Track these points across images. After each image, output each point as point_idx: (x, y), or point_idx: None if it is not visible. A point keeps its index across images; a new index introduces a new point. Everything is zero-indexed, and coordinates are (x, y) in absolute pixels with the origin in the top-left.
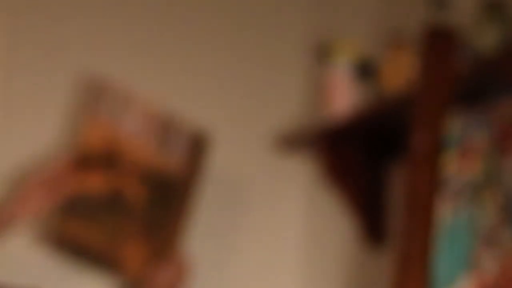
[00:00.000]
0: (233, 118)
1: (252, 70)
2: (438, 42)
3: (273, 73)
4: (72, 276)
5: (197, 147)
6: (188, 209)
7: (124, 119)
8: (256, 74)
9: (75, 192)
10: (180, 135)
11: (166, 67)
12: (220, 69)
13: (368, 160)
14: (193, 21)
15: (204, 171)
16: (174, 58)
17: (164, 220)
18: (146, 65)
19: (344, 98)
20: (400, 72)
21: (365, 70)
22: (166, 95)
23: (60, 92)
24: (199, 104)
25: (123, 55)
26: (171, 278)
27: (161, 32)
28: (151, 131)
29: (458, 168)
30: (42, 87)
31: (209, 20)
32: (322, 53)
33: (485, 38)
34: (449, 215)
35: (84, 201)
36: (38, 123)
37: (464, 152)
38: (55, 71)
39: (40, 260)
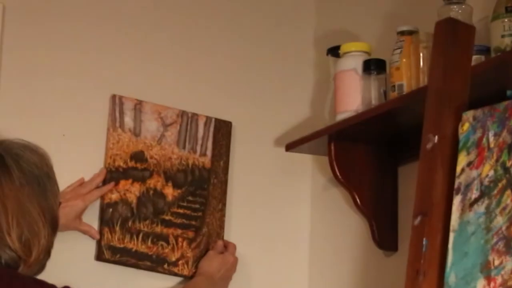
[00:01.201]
0: (242, 117)
1: (263, 70)
2: (454, 37)
3: (284, 73)
4: (133, 281)
5: (219, 135)
6: (223, 196)
7: (144, 124)
8: (267, 73)
9: (112, 202)
10: (200, 126)
11: (177, 75)
12: (230, 69)
13: (379, 159)
14: (203, 35)
15: (230, 156)
16: (182, 65)
17: (202, 211)
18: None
19: (355, 97)
20: (412, 71)
21: (376, 69)
22: (182, 98)
23: (88, 109)
24: (215, 104)
25: (137, 73)
26: (220, 267)
27: (170, 41)
28: (172, 130)
29: (473, 168)
30: (73, 107)
31: (220, 25)
32: (334, 52)
33: (501, 34)
34: (463, 216)
35: (122, 210)
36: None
37: (479, 151)
38: (83, 92)
39: (99, 274)
